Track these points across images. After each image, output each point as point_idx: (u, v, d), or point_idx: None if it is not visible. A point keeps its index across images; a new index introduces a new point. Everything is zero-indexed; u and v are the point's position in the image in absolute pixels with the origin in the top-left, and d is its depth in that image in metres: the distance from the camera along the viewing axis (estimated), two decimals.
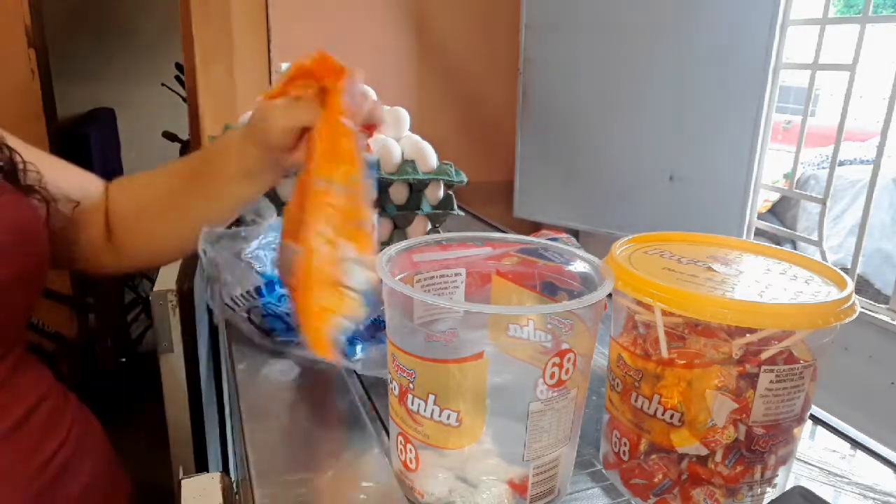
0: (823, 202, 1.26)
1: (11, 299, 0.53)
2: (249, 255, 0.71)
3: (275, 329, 0.68)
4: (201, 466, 1.00)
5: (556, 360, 0.41)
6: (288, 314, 0.68)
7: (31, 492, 0.52)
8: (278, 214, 0.81)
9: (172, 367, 0.92)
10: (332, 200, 0.54)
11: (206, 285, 0.72)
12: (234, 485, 0.58)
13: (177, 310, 0.88)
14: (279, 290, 0.70)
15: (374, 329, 0.69)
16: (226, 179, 0.62)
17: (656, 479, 0.46)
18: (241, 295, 0.68)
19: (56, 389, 0.60)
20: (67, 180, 0.64)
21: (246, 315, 0.68)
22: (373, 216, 0.56)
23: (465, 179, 1.02)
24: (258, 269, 0.69)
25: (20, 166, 0.57)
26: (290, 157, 0.59)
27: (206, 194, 0.64)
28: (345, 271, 0.54)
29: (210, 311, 0.75)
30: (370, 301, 0.56)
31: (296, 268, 0.55)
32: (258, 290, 0.68)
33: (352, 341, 0.66)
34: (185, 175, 0.66)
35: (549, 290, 0.51)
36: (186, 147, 2.44)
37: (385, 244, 0.57)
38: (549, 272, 0.52)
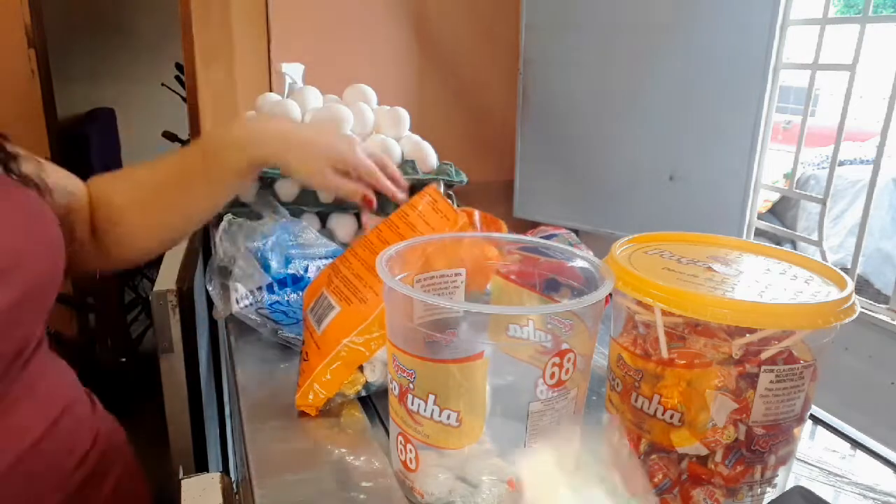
0: (823, 202, 1.26)
1: (31, 306, 0.52)
2: (258, 254, 0.71)
3: (280, 322, 0.68)
4: (201, 466, 1.00)
5: (556, 360, 0.41)
6: (293, 311, 0.69)
7: (62, 496, 0.52)
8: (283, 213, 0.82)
9: (172, 367, 0.92)
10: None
11: (209, 280, 0.72)
12: (234, 485, 0.58)
13: (177, 310, 0.88)
14: (286, 290, 0.70)
15: None
16: (217, 179, 0.64)
17: (656, 479, 0.46)
18: (250, 292, 0.68)
19: (81, 395, 0.60)
20: (53, 180, 0.63)
21: (254, 310, 0.68)
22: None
23: (465, 179, 1.02)
24: (265, 263, 0.70)
25: (16, 154, 0.55)
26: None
27: (194, 190, 0.65)
28: (370, 363, 0.57)
29: (210, 310, 0.75)
30: (370, 390, 0.59)
31: (329, 326, 0.57)
32: (261, 288, 0.69)
33: None
34: (175, 170, 0.66)
35: (552, 286, 0.51)
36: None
37: None
38: (552, 268, 0.52)
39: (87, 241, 0.66)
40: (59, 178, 0.63)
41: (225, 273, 0.71)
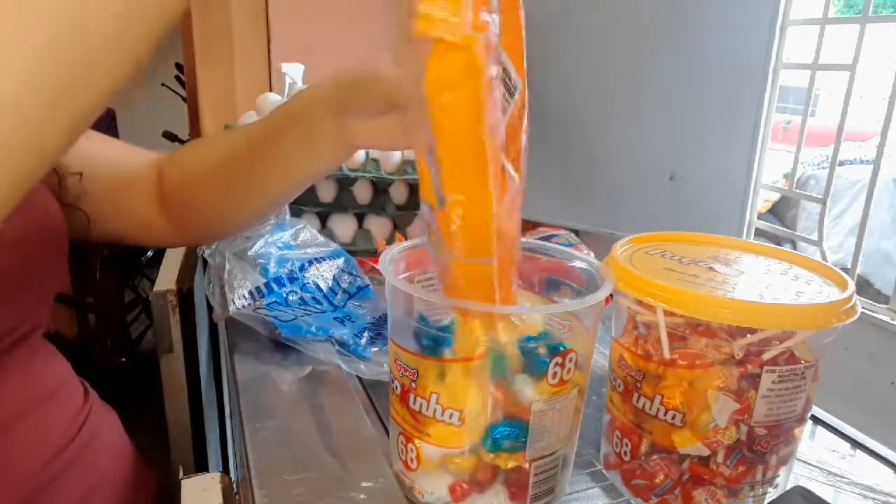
0: (823, 202, 1.26)
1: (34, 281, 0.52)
2: (254, 255, 0.71)
3: (278, 321, 0.68)
4: (201, 466, 1.00)
5: (558, 359, 0.41)
6: (291, 310, 0.68)
7: (38, 482, 0.52)
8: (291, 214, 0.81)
9: (172, 367, 0.92)
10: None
11: (208, 284, 0.72)
12: (234, 485, 0.58)
13: (177, 310, 0.88)
14: (283, 289, 0.70)
15: (380, 327, 0.69)
16: (287, 147, 0.56)
17: (658, 480, 0.46)
18: (247, 293, 0.68)
19: (74, 383, 0.59)
20: (103, 154, 0.60)
21: (252, 311, 0.68)
22: None
23: None
24: (263, 265, 0.70)
25: None
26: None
27: (267, 163, 0.57)
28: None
29: (210, 311, 0.75)
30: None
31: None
32: (259, 290, 0.68)
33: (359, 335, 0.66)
34: (246, 141, 0.59)
35: (553, 286, 0.51)
36: None
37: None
38: (552, 268, 0.52)
39: (149, 214, 0.62)
40: (93, 153, 0.59)
41: (222, 274, 0.71)
